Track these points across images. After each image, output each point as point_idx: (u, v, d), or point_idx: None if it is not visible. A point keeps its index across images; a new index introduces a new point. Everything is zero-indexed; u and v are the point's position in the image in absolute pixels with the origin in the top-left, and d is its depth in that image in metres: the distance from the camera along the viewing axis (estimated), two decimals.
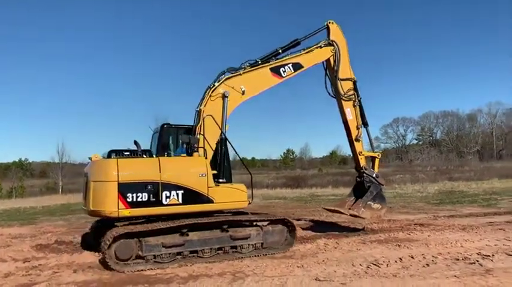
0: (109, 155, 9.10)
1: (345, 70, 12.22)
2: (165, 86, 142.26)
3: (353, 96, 12.34)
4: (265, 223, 9.98)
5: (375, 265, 8.35)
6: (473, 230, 12.21)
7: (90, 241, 10.66)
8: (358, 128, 12.42)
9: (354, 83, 12.38)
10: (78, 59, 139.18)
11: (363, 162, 12.52)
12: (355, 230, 12.89)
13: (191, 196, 9.05)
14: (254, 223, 9.89)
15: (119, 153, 9.16)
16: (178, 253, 8.91)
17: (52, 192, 56.20)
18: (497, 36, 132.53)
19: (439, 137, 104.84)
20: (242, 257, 9.34)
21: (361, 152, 12.52)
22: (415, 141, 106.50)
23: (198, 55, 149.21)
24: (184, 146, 9.81)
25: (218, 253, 9.31)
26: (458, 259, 8.59)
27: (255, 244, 9.70)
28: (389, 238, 11.45)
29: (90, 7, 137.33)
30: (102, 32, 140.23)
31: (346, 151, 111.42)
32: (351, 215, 12.05)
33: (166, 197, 8.81)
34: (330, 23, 12.13)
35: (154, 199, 8.68)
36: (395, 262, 8.57)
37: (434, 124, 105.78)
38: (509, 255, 8.84)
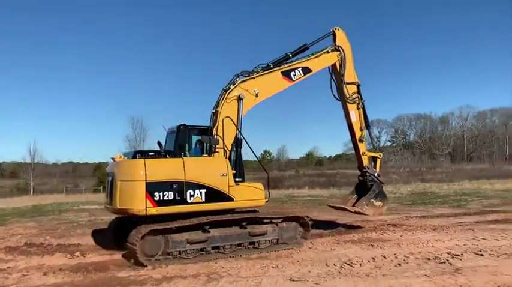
0: (134, 156, 9.52)
1: (349, 74, 12.72)
2: (138, 88, 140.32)
3: (357, 99, 12.85)
4: (280, 220, 10.41)
5: (349, 264, 8.47)
6: (444, 230, 12.52)
7: (109, 240, 10.87)
8: (361, 130, 12.97)
9: (358, 86, 12.91)
10: (52, 57, 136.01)
11: (365, 162, 13.09)
12: (329, 230, 13.03)
13: (213, 194, 9.47)
14: (270, 221, 10.29)
15: (144, 153, 9.62)
16: (201, 249, 9.33)
17: (23, 193, 54.87)
18: (470, 40, 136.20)
19: (412, 139, 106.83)
20: (260, 252, 9.86)
21: (364, 153, 13.09)
22: (389, 143, 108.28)
23: (167, 55, 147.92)
24: (198, 146, 10.37)
25: (238, 249, 9.77)
26: (429, 259, 8.78)
27: (271, 239, 10.20)
28: (363, 238, 11.63)
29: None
30: (70, 29, 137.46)
31: (322, 152, 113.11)
32: (355, 212, 12.55)
33: (191, 195, 9.21)
34: (336, 29, 12.64)
35: (179, 198, 9.07)
36: (368, 261, 8.71)
37: (408, 127, 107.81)
38: (477, 254, 9.10)
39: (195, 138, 10.60)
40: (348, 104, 12.76)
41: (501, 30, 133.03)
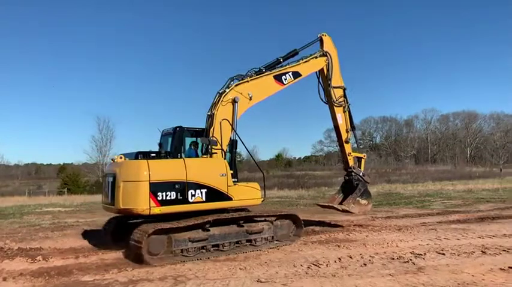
0: (136, 157, 9.79)
1: (336, 79, 13.25)
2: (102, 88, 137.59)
3: (343, 102, 13.40)
4: (274, 218, 10.89)
5: (315, 265, 8.56)
6: (408, 230, 12.85)
7: (107, 240, 10.89)
8: (347, 132, 13.54)
9: (344, 90, 13.46)
10: (13, 55, 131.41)
11: (351, 162, 13.62)
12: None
13: (213, 194, 9.83)
14: (264, 219, 10.75)
15: (145, 155, 9.90)
16: (202, 247, 9.58)
17: None
18: (434, 44, 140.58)
19: (378, 141, 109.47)
20: (258, 250, 10.19)
21: (350, 153, 13.63)
22: (355, 145, 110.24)
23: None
24: (193, 147, 10.64)
25: (237, 246, 10.09)
26: (393, 258, 8.99)
27: (267, 237, 10.62)
28: (330, 238, 11.78)
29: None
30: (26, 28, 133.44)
31: (292, 153, 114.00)
32: (342, 210, 13.13)
33: (192, 195, 9.52)
34: (323, 35, 13.13)
35: (181, 197, 9.37)
36: (335, 262, 8.84)
37: (374, 129, 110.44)
38: (439, 254, 9.38)
39: (188, 140, 10.80)
40: (334, 107, 13.24)
41: (464, 33, 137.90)
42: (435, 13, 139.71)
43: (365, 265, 8.54)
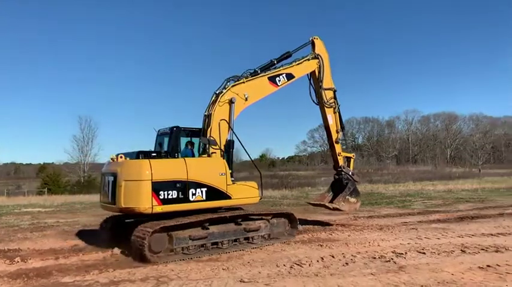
0: (137, 156, 9.89)
1: (327, 81, 13.61)
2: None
3: (334, 104, 13.86)
4: (270, 217, 11.27)
5: (298, 265, 8.59)
6: (390, 230, 13.01)
7: (103, 239, 10.90)
8: (337, 132, 14.02)
9: (334, 92, 13.87)
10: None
11: (341, 162, 14.12)
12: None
13: (213, 193, 10.02)
14: (261, 217, 11.09)
15: (146, 154, 10.01)
16: (202, 245, 9.76)
17: None
18: (416, 46, 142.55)
19: (360, 141, 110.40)
20: (255, 247, 10.40)
21: (339, 153, 14.13)
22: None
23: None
24: (189, 147, 10.80)
25: (234, 244, 10.33)
26: (375, 258, 9.08)
27: (264, 235, 10.95)
28: (313, 238, 11.84)
29: None
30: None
31: (276, 153, 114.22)
32: (333, 208, 13.53)
33: (193, 194, 9.69)
34: (315, 38, 13.42)
35: (182, 196, 9.53)
36: (317, 261, 8.88)
37: (357, 129, 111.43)
38: (420, 253, 9.51)
39: (184, 140, 10.94)
40: (325, 108, 13.62)
41: (444, 36, 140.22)
42: (418, 16, 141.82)
43: (347, 264, 8.60)
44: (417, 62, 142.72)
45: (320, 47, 13.51)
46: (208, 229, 9.86)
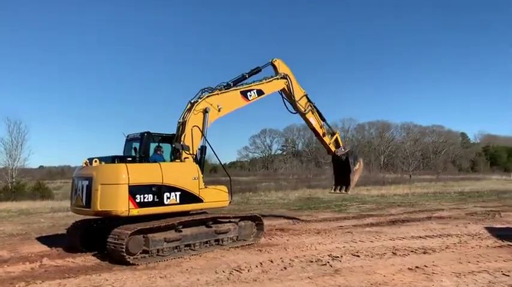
0: (113, 160, 10.02)
1: (297, 92, 14.61)
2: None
3: (310, 107, 14.90)
4: (238, 219, 11.61)
5: (237, 270, 8.58)
6: (326, 233, 13.36)
7: (74, 243, 10.88)
8: (321, 127, 15.46)
9: (306, 96, 14.89)
10: None
11: (333, 148, 15.91)
12: None
13: (186, 196, 10.35)
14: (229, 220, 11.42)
15: (121, 159, 10.21)
16: (176, 247, 10.10)
17: None
18: (350, 54, 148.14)
19: (300, 148, 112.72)
20: (223, 249, 10.90)
21: (330, 143, 15.73)
22: (279, 152, 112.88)
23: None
24: (159, 152, 10.91)
25: (205, 246, 10.74)
26: (312, 261, 9.29)
27: (233, 236, 11.40)
28: (252, 243, 11.87)
29: None
30: None
31: (216, 160, 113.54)
32: (353, 187, 16.12)
33: (167, 197, 9.97)
34: (274, 60, 14.15)
35: (158, 200, 9.80)
36: (256, 266, 8.93)
37: (297, 136, 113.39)
38: (354, 255, 9.85)
39: (153, 145, 11.07)
40: (306, 115, 14.83)
41: (378, 45, 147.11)
42: (353, 22, 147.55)
43: (285, 268, 8.73)
44: (353, 72, 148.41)
45: (282, 67, 14.26)
46: (181, 231, 10.16)
